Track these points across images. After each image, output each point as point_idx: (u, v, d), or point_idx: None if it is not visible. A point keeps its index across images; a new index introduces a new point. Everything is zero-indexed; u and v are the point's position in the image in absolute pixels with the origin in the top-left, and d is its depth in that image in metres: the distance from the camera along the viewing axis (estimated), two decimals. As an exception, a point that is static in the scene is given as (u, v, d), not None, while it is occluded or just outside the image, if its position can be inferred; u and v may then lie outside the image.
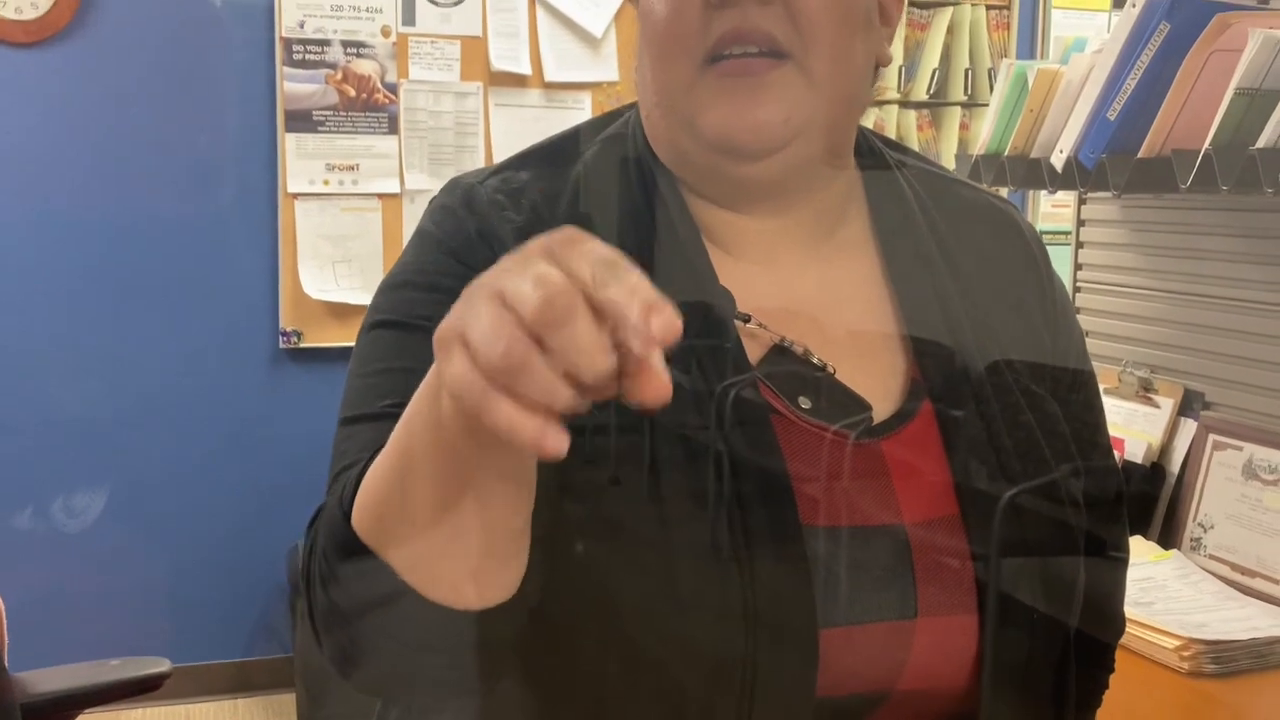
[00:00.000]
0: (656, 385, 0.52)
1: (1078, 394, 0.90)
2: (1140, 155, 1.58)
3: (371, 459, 0.69)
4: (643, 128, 0.86)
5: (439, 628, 0.67)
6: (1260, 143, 1.42)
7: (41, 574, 2.98)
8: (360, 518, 0.68)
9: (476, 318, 0.52)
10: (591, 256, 0.53)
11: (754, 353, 0.81)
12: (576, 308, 0.51)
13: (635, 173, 0.84)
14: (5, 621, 1.74)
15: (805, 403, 0.79)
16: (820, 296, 0.84)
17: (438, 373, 0.57)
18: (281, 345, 3.17)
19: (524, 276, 0.52)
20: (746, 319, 0.81)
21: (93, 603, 3.04)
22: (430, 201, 0.87)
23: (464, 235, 0.81)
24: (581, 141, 0.88)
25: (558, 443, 0.52)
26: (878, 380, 0.82)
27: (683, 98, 0.80)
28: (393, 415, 0.71)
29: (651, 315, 0.52)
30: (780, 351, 0.81)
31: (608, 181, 0.84)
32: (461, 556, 0.65)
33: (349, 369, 0.82)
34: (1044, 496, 0.81)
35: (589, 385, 0.52)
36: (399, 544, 0.66)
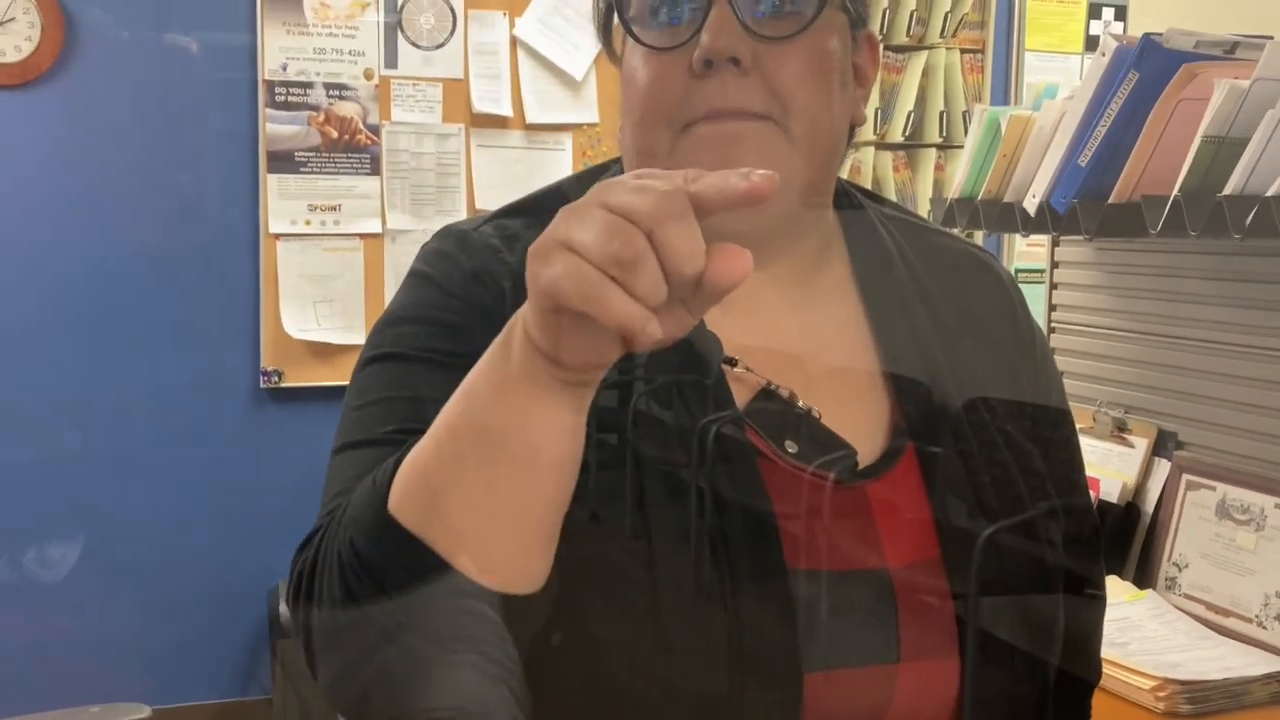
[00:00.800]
0: (737, 257, 0.58)
1: (1056, 437, 0.92)
2: (1111, 201, 1.60)
3: (403, 454, 0.68)
4: None
5: (474, 616, 0.66)
6: (1228, 189, 1.45)
7: (18, 620, 2.96)
8: (401, 499, 0.67)
9: (583, 223, 0.58)
10: (683, 174, 0.59)
11: (741, 397, 0.82)
12: (687, 206, 0.57)
13: None
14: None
15: (792, 446, 0.81)
16: (803, 341, 0.86)
17: (532, 280, 0.60)
18: (262, 385, 3.17)
19: (625, 190, 0.58)
20: (734, 363, 0.83)
21: (70, 649, 3.01)
22: (422, 247, 0.88)
23: (460, 274, 0.83)
24: (568, 192, 0.90)
25: (659, 331, 0.58)
26: (861, 424, 0.84)
27: (664, 161, 0.81)
28: (396, 441, 0.72)
29: (744, 178, 0.58)
30: (766, 395, 0.82)
31: None
32: (508, 529, 0.66)
33: (344, 403, 0.83)
34: (1022, 537, 0.83)
35: (682, 284, 0.57)
36: (445, 518, 0.65)
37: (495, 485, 0.65)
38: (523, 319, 0.63)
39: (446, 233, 0.87)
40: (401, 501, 0.67)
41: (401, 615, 0.67)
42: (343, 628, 0.69)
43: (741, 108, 0.80)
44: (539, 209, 0.88)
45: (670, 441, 0.77)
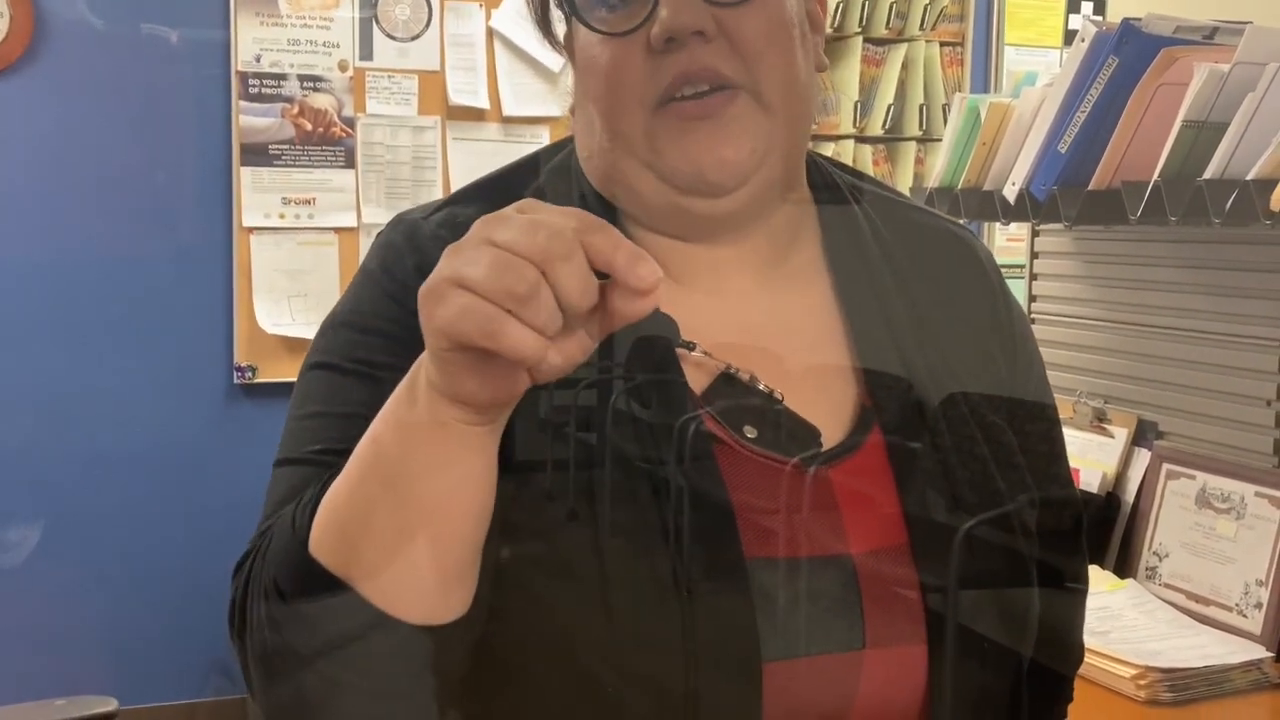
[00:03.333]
0: (640, 289, 0.60)
1: (1035, 423, 0.89)
2: (1091, 187, 1.60)
3: (324, 486, 0.69)
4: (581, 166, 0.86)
5: (398, 648, 0.67)
6: (1208, 174, 1.45)
7: (-13, 615, 2.92)
8: (320, 541, 0.68)
9: (473, 262, 0.59)
10: (568, 213, 0.60)
11: (699, 381, 0.80)
12: (577, 246, 0.58)
13: (579, 205, 0.84)
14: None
15: (751, 432, 0.79)
16: (769, 324, 0.84)
17: (427, 321, 0.61)
18: (236, 380, 3.14)
19: (512, 226, 0.59)
20: (691, 347, 0.80)
21: (37, 642, 2.97)
22: (376, 236, 0.87)
23: (403, 272, 0.81)
24: (529, 171, 0.88)
25: (558, 359, 0.60)
26: (827, 408, 0.82)
27: (640, 142, 0.80)
28: (321, 462, 0.73)
29: (635, 262, 0.59)
30: (727, 380, 0.80)
31: None
32: (426, 570, 0.66)
33: (289, 407, 0.83)
34: (996, 526, 0.81)
35: (575, 316, 0.59)
36: (362, 561, 0.66)
37: (406, 529, 0.66)
38: (424, 364, 0.63)
39: (398, 221, 0.86)
40: (320, 542, 0.68)
41: (332, 659, 0.68)
42: (274, 665, 0.71)
43: (710, 70, 0.78)
44: (499, 191, 0.85)
45: (624, 432, 0.75)
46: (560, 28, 0.87)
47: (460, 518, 0.66)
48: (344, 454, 0.69)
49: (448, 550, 0.67)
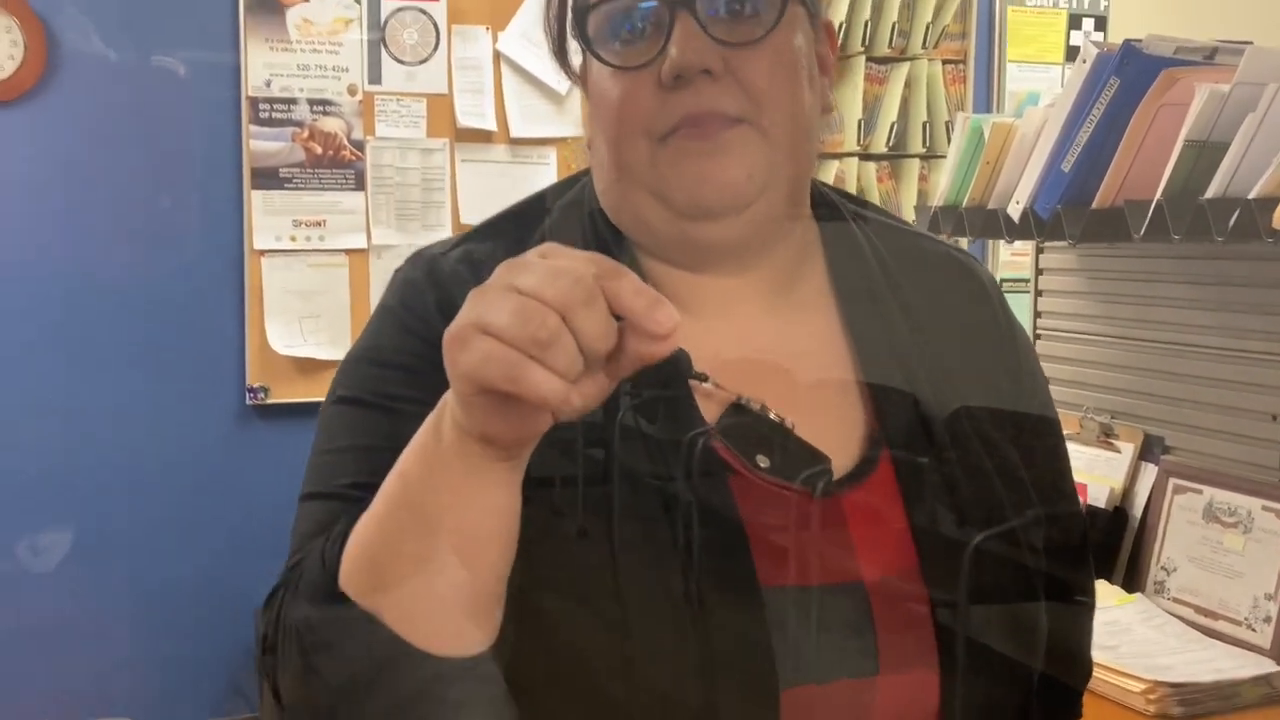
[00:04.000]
0: (658, 333, 0.61)
1: (1040, 441, 0.91)
2: (1094, 206, 1.61)
3: (352, 521, 0.71)
4: (597, 198, 0.88)
5: (427, 683, 0.68)
6: (1210, 193, 1.46)
7: (1, 634, 2.94)
8: (349, 575, 0.69)
9: (497, 307, 0.60)
10: (588, 258, 0.62)
11: (711, 412, 0.81)
12: (598, 292, 0.60)
13: (593, 238, 0.86)
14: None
15: (763, 461, 0.80)
16: (778, 351, 0.85)
17: (452, 366, 0.62)
18: (248, 401, 3.16)
19: (534, 272, 0.60)
20: (703, 378, 0.82)
21: (53, 663, 2.99)
22: (395, 273, 0.88)
23: (423, 308, 0.83)
24: (539, 209, 0.90)
25: (580, 400, 0.62)
26: (837, 434, 0.83)
27: (646, 172, 0.81)
28: (347, 496, 0.75)
29: (654, 308, 0.61)
30: (738, 409, 0.82)
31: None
32: (453, 601, 0.68)
33: (313, 442, 0.84)
34: (1003, 546, 0.82)
35: (595, 360, 0.61)
36: (390, 593, 0.68)
37: (432, 561, 0.67)
38: (449, 404, 0.65)
39: (418, 258, 0.87)
40: (349, 577, 0.69)
41: (362, 692, 0.69)
42: (306, 698, 0.73)
43: (717, 110, 0.80)
44: (513, 227, 0.88)
45: (640, 462, 0.77)
46: (576, 59, 0.89)
47: (486, 548, 0.68)
48: (370, 488, 0.70)
49: (474, 581, 0.68)
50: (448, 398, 0.65)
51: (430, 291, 0.83)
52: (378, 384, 0.82)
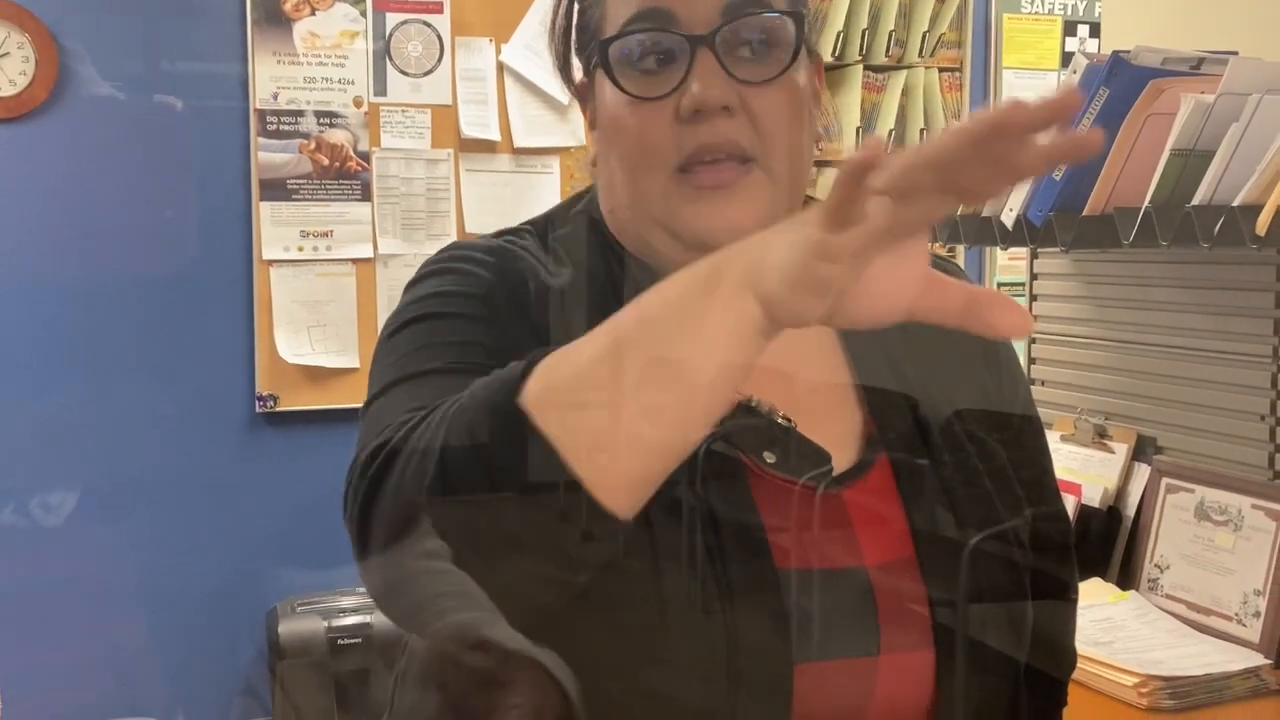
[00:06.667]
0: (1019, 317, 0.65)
1: (1024, 440, 0.96)
2: (1085, 213, 1.65)
3: (534, 358, 0.68)
4: (604, 217, 0.92)
5: (567, 530, 0.67)
6: (1196, 199, 1.50)
7: (17, 640, 2.97)
8: (540, 398, 0.67)
9: (892, 166, 0.59)
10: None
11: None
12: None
13: (604, 250, 0.91)
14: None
15: (770, 457, 0.85)
16: (780, 357, 0.90)
17: (832, 202, 0.61)
18: (258, 409, 3.20)
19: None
20: None
21: (67, 669, 3.03)
22: (423, 264, 0.91)
23: (466, 257, 0.87)
24: (554, 221, 0.94)
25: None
26: (837, 434, 0.88)
27: (658, 203, 0.85)
28: (458, 370, 0.74)
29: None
30: (746, 409, 0.86)
31: (579, 254, 0.91)
32: (644, 459, 0.68)
33: (375, 368, 0.83)
34: (997, 539, 0.87)
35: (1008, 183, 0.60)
36: (585, 432, 0.66)
37: (652, 408, 0.66)
38: (746, 270, 0.65)
39: (447, 247, 0.92)
40: (539, 400, 0.67)
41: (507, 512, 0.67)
42: (436, 511, 0.69)
43: (731, 143, 0.84)
44: (532, 228, 0.93)
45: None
46: (579, 75, 0.93)
47: (706, 407, 0.68)
48: (476, 370, 0.70)
49: (674, 438, 0.68)
50: (745, 266, 0.65)
51: (476, 253, 0.88)
52: (453, 303, 0.83)
